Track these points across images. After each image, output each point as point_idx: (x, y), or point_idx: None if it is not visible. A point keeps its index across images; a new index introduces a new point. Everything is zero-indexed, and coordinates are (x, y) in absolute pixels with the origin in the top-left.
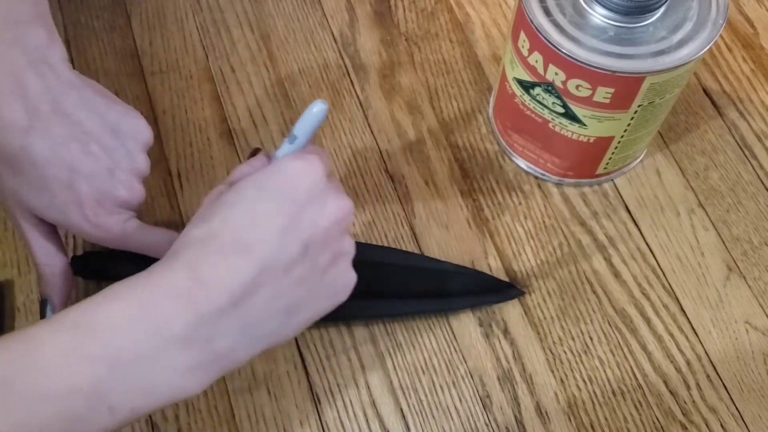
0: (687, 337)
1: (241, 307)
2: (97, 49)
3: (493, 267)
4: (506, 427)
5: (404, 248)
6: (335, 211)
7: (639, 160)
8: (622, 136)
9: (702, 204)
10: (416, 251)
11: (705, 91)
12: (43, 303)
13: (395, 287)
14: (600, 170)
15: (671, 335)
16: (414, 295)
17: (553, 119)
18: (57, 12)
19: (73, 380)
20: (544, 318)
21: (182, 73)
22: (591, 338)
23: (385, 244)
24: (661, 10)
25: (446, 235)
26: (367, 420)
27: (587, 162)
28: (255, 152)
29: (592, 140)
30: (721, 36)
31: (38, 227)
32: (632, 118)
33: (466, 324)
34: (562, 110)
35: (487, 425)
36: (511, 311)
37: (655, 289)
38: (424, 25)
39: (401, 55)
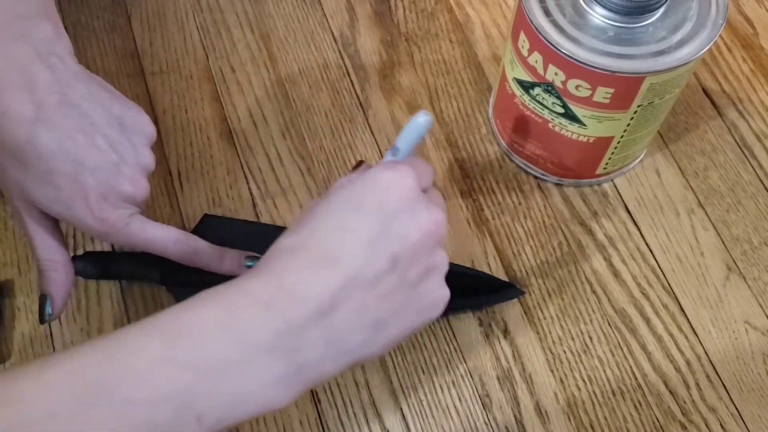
0: (686, 337)
1: (327, 318)
2: (97, 49)
3: (493, 267)
4: (506, 427)
5: None
6: (426, 223)
7: (639, 160)
8: (621, 137)
9: (702, 204)
10: None
11: (705, 91)
12: (43, 299)
13: None
14: (600, 170)
15: (671, 335)
16: None
17: (552, 119)
18: (57, 12)
19: (162, 387)
20: (544, 318)
21: (182, 73)
22: (590, 338)
23: None
24: (661, 10)
25: (446, 235)
26: (367, 419)
27: (587, 162)
28: (359, 164)
29: (591, 140)
30: (720, 36)
31: (41, 222)
32: (632, 119)
33: (466, 324)
34: (561, 110)
35: (486, 425)
36: (510, 311)
37: (654, 288)
38: (424, 26)
39: (401, 55)
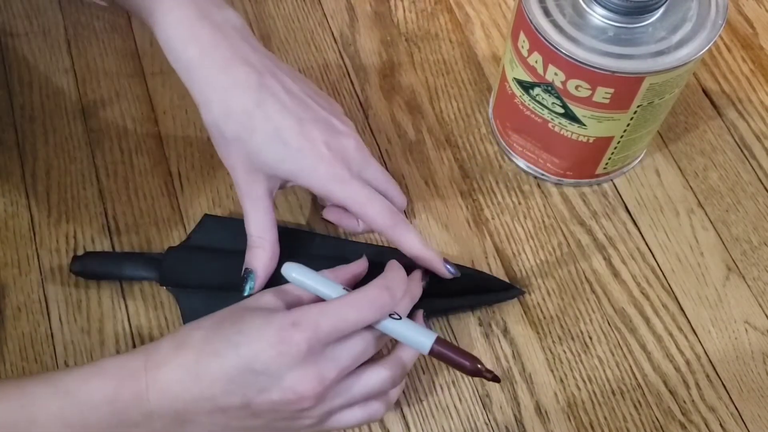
0: (686, 337)
1: (183, 419)
2: (97, 49)
3: (493, 267)
4: (506, 427)
5: None
6: (288, 393)
7: (638, 160)
8: (621, 137)
9: (701, 204)
10: None
11: (704, 91)
12: (247, 273)
13: None
14: (599, 170)
15: (670, 335)
16: None
17: (552, 119)
18: (57, 12)
19: None
20: (544, 317)
21: None
22: (590, 338)
23: (385, 245)
24: (661, 10)
25: (446, 235)
26: None
27: (587, 162)
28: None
29: (591, 140)
30: (720, 36)
31: (260, 201)
32: (632, 119)
33: (466, 323)
34: (561, 110)
35: (486, 424)
36: (510, 311)
37: (654, 288)
38: (424, 26)
39: (401, 55)
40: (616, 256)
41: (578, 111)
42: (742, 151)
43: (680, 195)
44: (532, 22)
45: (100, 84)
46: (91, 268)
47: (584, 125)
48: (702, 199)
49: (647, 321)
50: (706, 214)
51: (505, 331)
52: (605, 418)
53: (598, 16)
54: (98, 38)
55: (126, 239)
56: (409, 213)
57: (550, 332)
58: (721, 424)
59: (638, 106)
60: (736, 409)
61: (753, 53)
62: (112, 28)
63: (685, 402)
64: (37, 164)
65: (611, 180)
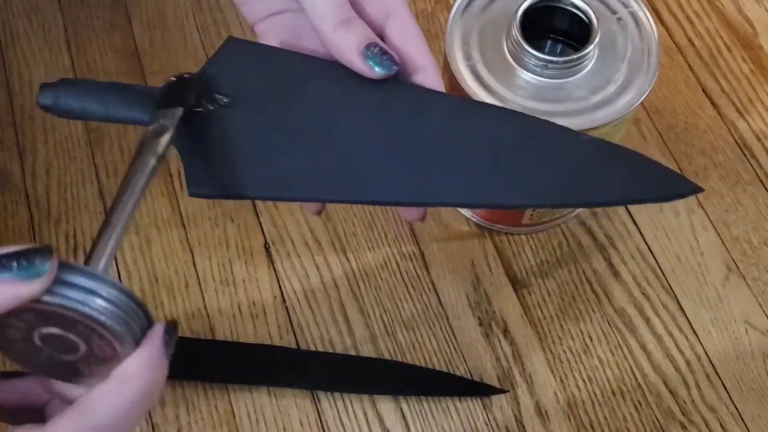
0: (686, 337)
1: None
2: (97, 48)
3: (493, 267)
4: (506, 427)
5: (404, 247)
6: None
7: (580, 209)
8: None
9: (701, 204)
10: (416, 251)
11: (704, 90)
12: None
13: None
14: (525, 220)
15: (671, 335)
16: None
17: None
18: (57, 11)
19: None
20: (544, 318)
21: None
22: (590, 338)
23: (384, 244)
24: (587, 68)
25: (446, 235)
26: (367, 420)
27: (508, 213)
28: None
29: None
30: (720, 35)
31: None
32: None
33: (466, 323)
34: None
35: (486, 425)
36: (510, 311)
37: (654, 288)
38: (424, 26)
39: None
40: (616, 256)
41: None
42: (742, 150)
43: None
44: (450, 65)
45: None
46: (65, 103)
47: None
48: (702, 198)
49: (647, 321)
50: (706, 214)
51: (505, 331)
52: (605, 419)
53: (517, 67)
54: (98, 37)
55: (125, 239)
56: None
57: (550, 332)
58: (721, 425)
59: None
60: (737, 409)
61: (753, 53)
62: (112, 27)
63: (685, 402)
64: (37, 163)
65: (545, 232)
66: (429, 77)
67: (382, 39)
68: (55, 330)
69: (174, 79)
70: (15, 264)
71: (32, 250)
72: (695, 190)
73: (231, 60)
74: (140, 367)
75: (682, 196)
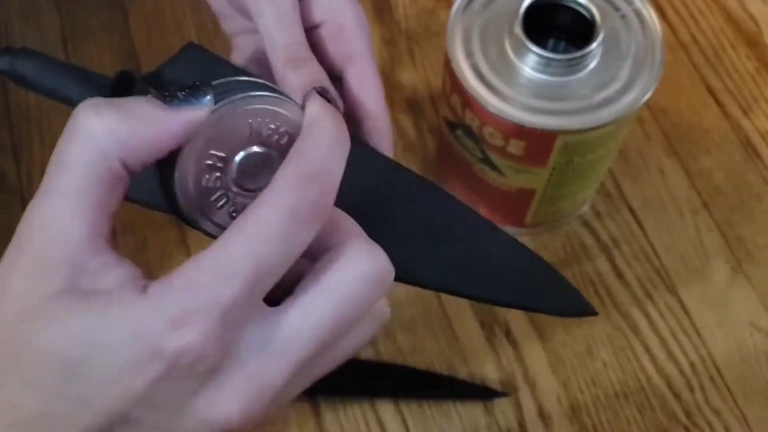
0: (691, 339)
1: None
2: (94, 47)
3: None
4: (508, 430)
5: None
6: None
7: (583, 209)
8: (544, 191)
9: (706, 204)
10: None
11: (708, 89)
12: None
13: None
14: (528, 220)
15: (675, 337)
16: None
17: (475, 164)
18: (54, 10)
19: None
20: (547, 320)
21: None
22: (594, 340)
23: None
24: (591, 66)
25: None
26: (366, 422)
27: (512, 211)
28: None
29: (513, 190)
30: (724, 33)
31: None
32: (551, 174)
33: (468, 326)
34: (481, 156)
35: (488, 429)
36: (513, 313)
37: (658, 290)
38: (424, 23)
39: (402, 53)
40: (620, 257)
41: (495, 159)
42: (746, 150)
43: (685, 195)
44: (451, 62)
45: None
46: (21, 71)
47: (503, 174)
48: (707, 199)
49: (651, 323)
50: (711, 214)
51: (508, 334)
52: (609, 422)
53: (519, 65)
54: (95, 36)
55: (122, 240)
56: None
57: (553, 335)
58: (725, 427)
59: (556, 163)
60: (741, 412)
61: (757, 51)
62: (109, 25)
63: (689, 405)
64: (33, 165)
65: (549, 233)
66: (378, 127)
67: (341, 81)
68: (255, 148)
69: (120, 71)
70: (181, 94)
71: (193, 84)
72: (589, 312)
73: (186, 65)
74: (322, 110)
75: (578, 315)
